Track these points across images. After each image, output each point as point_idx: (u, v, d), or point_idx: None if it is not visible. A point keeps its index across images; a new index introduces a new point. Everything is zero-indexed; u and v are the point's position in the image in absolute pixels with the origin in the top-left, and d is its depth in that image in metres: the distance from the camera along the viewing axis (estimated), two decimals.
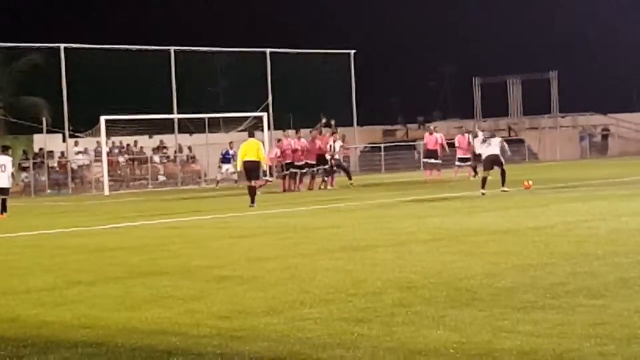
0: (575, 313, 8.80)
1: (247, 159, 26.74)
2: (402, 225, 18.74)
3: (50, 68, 44.91)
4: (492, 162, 27.75)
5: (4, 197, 27.88)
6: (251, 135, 28.36)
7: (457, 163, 40.13)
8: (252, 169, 26.69)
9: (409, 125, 71.31)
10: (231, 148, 43.59)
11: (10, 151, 29.14)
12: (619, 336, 7.78)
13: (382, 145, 56.27)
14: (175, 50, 49.06)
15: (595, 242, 14.04)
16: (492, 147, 27.79)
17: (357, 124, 55.85)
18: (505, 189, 27.48)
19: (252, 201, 26.09)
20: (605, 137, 68.43)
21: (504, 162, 27.95)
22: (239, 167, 27.64)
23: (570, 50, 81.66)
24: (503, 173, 27.79)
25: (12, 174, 27.70)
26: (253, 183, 26.60)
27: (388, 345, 7.85)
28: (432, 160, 40.08)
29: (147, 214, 26.19)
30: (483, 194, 26.59)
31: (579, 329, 8.10)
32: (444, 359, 7.34)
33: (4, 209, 27.68)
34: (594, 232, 15.64)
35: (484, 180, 27.28)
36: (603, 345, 7.49)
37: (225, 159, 44.38)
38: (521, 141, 63.18)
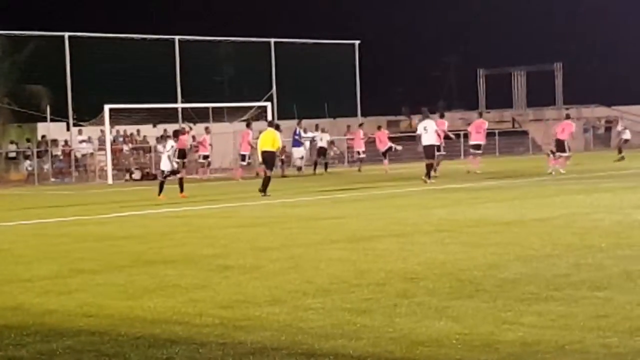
0: (579, 305, 8.80)
1: (264, 149, 27.18)
2: (405, 216, 18.74)
3: (54, 56, 44.90)
4: None
5: (179, 177, 27.79)
6: (270, 125, 28.78)
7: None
8: (267, 159, 27.05)
9: (413, 117, 71.21)
10: (302, 127, 44.16)
11: (171, 137, 29.03)
12: (622, 329, 7.78)
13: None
14: (179, 40, 49.02)
15: (599, 235, 14.04)
16: None
17: (361, 115, 55.80)
18: None
19: (264, 190, 26.22)
20: (608, 129, 68.39)
21: None
22: (259, 157, 28.12)
23: (575, 42, 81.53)
24: None
25: (169, 157, 27.50)
26: (268, 173, 26.88)
27: (390, 335, 7.86)
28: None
29: (151, 202, 26.19)
30: None
31: (582, 321, 8.10)
32: (447, 350, 7.34)
33: (182, 189, 27.47)
34: (598, 224, 15.63)
35: None
36: (606, 338, 7.49)
37: (295, 142, 44.17)
38: (525, 133, 63.11)
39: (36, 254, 14.57)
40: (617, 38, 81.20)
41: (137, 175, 44.26)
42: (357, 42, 55.46)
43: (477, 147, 37.54)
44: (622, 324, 7.93)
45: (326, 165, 43.78)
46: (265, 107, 46.85)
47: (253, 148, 39.53)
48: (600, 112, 68.84)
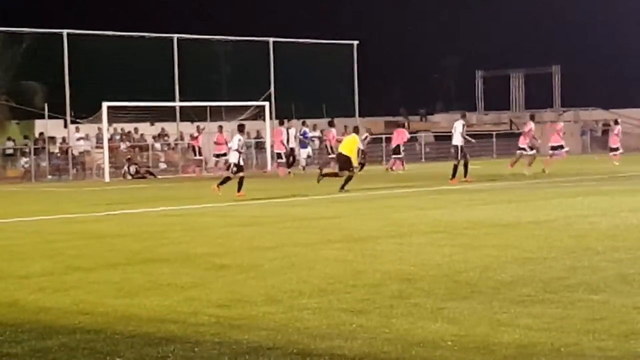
0: (574, 308, 8.79)
1: (340, 151, 28.53)
2: (402, 217, 18.74)
3: (52, 54, 44.87)
4: None
5: (242, 175, 26.70)
6: (355, 130, 29.67)
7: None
8: (340, 161, 28.32)
9: (411, 117, 71.30)
10: (307, 127, 44.32)
11: (244, 130, 28.28)
12: (617, 332, 7.78)
13: (384, 137, 56.09)
14: (178, 38, 49.01)
15: (595, 237, 14.03)
16: None
17: (359, 115, 55.80)
18: None
19: (342, 187, 27.06)
20: (606, 132, 68.39)
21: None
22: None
23: (573, 44, 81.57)
24: None
25: (238, 151, 27.06)
26: (340, 173, 27.90)
27: (386, 336, 7.85)
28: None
29: (148, 201, 26.19)
30: None
31: (577, 324, 8.09)
32: (442, 352, 7.33)
33: (239, 187, 26.28)
34: (595, 227, 15.63)
35: None
36: (601, 341, 7.49)
37: (303, 144, 44.09)
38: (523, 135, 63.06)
39: (32, 251, 14.55)
40: (615, 41, 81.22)
41: (132, 169, 44.22)
42: (355, 42, 55.48)
43: (554, 147, 37.91)
44: (617, 327, 7.93)
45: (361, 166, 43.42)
46: (263, 107, 46.85)
47: (285, 146, 40.42)
48: (598, 115, 68.85)
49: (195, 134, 46.03)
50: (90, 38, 46.64)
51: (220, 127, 45.06)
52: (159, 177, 44.00)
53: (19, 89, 45.25)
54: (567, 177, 31.78)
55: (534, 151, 35.16)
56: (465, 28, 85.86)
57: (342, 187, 27.02)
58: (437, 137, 60.52)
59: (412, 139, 58.43)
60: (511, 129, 64.58)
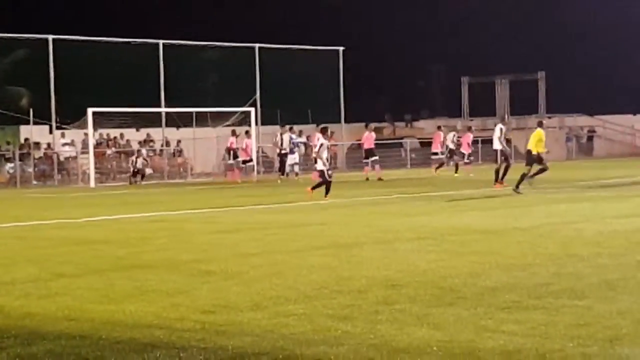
0: (559, 314, 8.83)
1: (528, 148, 28.54)
2: (388, 223, 18.76)
3: (38, 59, 44.76)
4: None
5: (330, 180, 26.72)
6: (539, 125, 29.49)
7: None
8: (526, 157, 28.61)
9: (397, 124, 71.45)
10: (294, 133, 44.37)
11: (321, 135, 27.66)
12: (602, 337, 7.82)
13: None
14: (163, 44, 48.95)
15: (580, 244, 14.10)
16: None
17: (345, 121, 55.83)
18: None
19: (516, 186, 27.10)
20: (590, 138, 68.69)
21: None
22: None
23: (558, 51, 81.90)
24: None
25: (321, 156, 26.71)
26: (526, 170, 27.96)
27: (371, 342, 7.87)
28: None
29: (133, 207, 26.14)
30: None
31: (562, 330, 8.13)
32: (427, 358, 7.35)
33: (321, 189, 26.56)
34: (579, 233, 15.69)
35: None
36: (586, 346, 7.53)
37: (290, 150, 43.67)
38: (508, 141, 63.22)
39: (17, 257, 14.51)
40: (600, 47, 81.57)
41: (139, 162, 44.36)
42: (341, 48, 55.55)
43: None
44: (602, 333, 7.97)
45: (456, 167, 43.01)
46: (249, 113, 46.83)
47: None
48: (582, 121, 69.13)
49: (233, 139, 45.20)
50: (75, 43, 46.52)
51: (247, 131, 44.62)
52: (144, 182, 43.94)
53: (3, 94, 45.11)
54: (552, 183, 31.86)
55: None
56: (451, 35, 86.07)
57: (532, 176, 27.78)
58: (422, 144, 60.55)
59: (398, 145, 58.66)
60: None
